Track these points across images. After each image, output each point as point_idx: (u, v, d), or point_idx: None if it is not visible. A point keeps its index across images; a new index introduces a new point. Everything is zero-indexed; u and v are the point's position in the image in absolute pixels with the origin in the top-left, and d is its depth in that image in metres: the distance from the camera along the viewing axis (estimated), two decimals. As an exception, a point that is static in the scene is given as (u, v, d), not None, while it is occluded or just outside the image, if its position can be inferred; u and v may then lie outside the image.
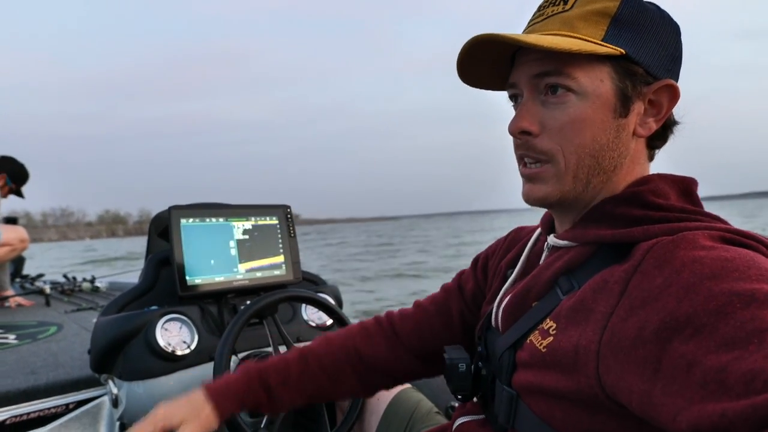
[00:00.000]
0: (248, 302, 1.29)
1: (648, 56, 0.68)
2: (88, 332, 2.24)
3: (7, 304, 3.19)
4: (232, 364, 1.35)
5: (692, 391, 0.48)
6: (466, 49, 0.71)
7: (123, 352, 1.33)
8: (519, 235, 0.94)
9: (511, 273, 0.85)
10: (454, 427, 0.88)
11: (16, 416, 1.48)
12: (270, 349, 1.30)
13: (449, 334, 0.98)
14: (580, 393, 0.61)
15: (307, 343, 1.03)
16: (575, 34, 0.67)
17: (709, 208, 0.70)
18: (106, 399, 1.61)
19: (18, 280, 4.02)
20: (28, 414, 1.51)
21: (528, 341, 0.71)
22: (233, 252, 1.51)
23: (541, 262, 0.79)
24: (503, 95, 0.78)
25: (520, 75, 0.72)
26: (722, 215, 0.69)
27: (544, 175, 0.72)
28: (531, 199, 0.74)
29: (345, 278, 13.30)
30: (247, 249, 1.54)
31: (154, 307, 1.41)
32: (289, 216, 1.65)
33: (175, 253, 1.39)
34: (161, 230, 1.62)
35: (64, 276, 3.94)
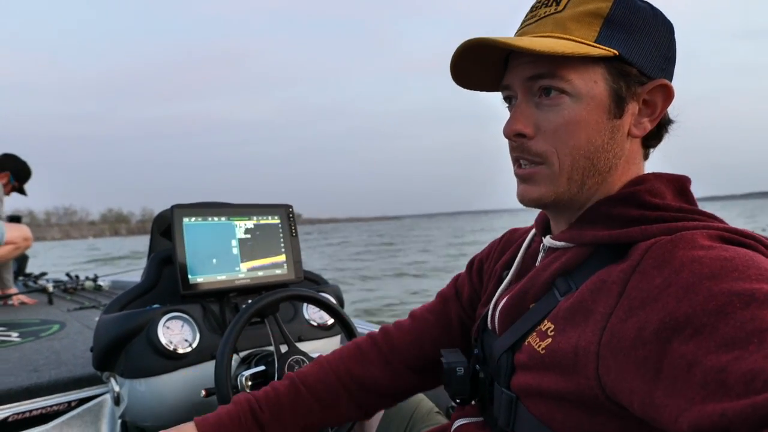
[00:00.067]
0: (250, 301, 1.29)
1: (641, 56, 0.68)
2: (90, 330, 2.24)
3: (10, 302, 3.20)
4: (234, 363, 1.36)
5: (693, 391, 0.48)
6: (458, 53, 0.71)
7: (125, 350, 1.33)
8: (513, 237, 0.94)
9: (507, 275, 0.85)
10: (453, 428, 0.88)
11: (18, 413, 1.49)
12: (271, 348, 1.31)
13: (450, 342, 0.97)
14: (580, 394, 0.61)
15: (301, 369, 0.99)
16: (568, 36, 0.67)
17: (711, 208, 0.70)
18: (108, 397, 1.62)
19: (21, 278, 4.04)
20: (31, 411, 1.51)
21: (526, 343, 0.71)
22: (235, 251, 1.52)
23: (537, 263, 0.79)
24: (501, 95, 0.78)
25: (514, 78, 0.71)
26: (724, 216, 0.69)
27: (538, 177, 0.71)
28: (525, 200, 0.74)
29: (346, 277, 13.31)
30: (249, 248, 1.54)
31: (156, 306, 1.41)
32: (290, 215, 1.66)
33: (177, 251, 1.40)
34: (164, 229, 1.63)
35: (67, 275, 3.95)
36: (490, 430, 0.80)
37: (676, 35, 0.71)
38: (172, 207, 1.43)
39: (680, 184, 0.71)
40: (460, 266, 1.05)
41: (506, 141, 0.74)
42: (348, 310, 1.50)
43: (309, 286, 1.72)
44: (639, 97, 0.69)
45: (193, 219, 1.45)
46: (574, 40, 0.66)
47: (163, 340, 1.32)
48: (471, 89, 0.80)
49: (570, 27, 0.68)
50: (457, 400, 0.87)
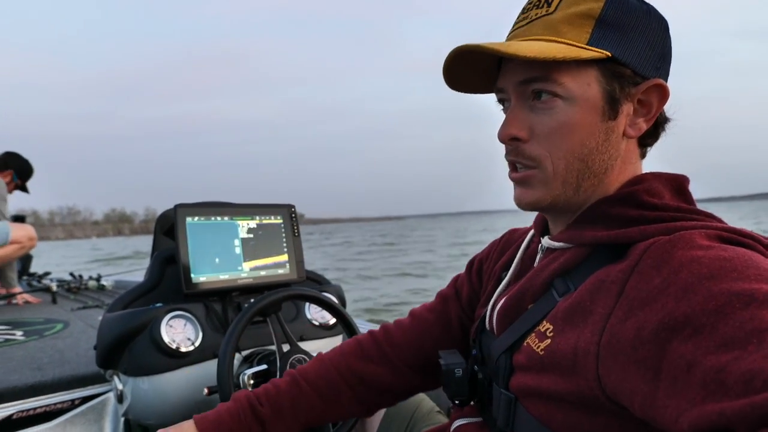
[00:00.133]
0: (252, 300, 1.29)
1: (635, 56, 0.67)
2: (93, 329, 2.25)
3: (14, 301, 3.21)
4: (236, 362, 1.36)
5: (693, 392, 0.48)
6: (450, 59, 0.71)
7: (128, 348, 1.34)
8: (513, 237, 0.94)
9: (506, 275, 0.84)
10: (452, 429, 0.88)
11: (22, 411, 1.50)
12: (273, 347, 1.31)
13: (450, 342, 0.97)
14: (580, 395, 0.61)
15: (302, 366, 0.99)
16: (559, 39, 0.66)
17: (715, 209, 0.70)
18: (111, 395, 1.62)
19: (25, 277, 4.05)
20: (35, 409, 1.52)
21: (525, 344, 0.71)
22: (238, 250, 1.52)
23: (535, 264, 0.79)
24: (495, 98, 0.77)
25: (507, 81, 0.71)
26: (728, 218, 0.69)
27: (533, 180, 0.71)
28: (522, 204, 0.74)
29: (348, 277, 13.32)
30: (252, 247, 1.55)
31: (159, 305, 1.42)
32: (293, 215, 1.66)
33: (180, 250, 1.40)
34: (167, 229, 1.64)
35: (71, 274, 3.97)
36: (489, 431, 0.80)
37: (678, 35, 0.71)
38: (176, 206, 1.43)
39: (678, 184, 0.71)
40: (462, 266, 1.05)
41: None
42: (349, 309, 1.50)
43: (311, 285, 1.72)
44: (634, 98, 0.69)
45: (196, 218, 1.45)
46: (565, 43, 0.66)
47: (166, 339, 1.32)
48: (466, 92, 0.79)
49: (561, 29, 0.67)
50: (456, 401, 0.87)
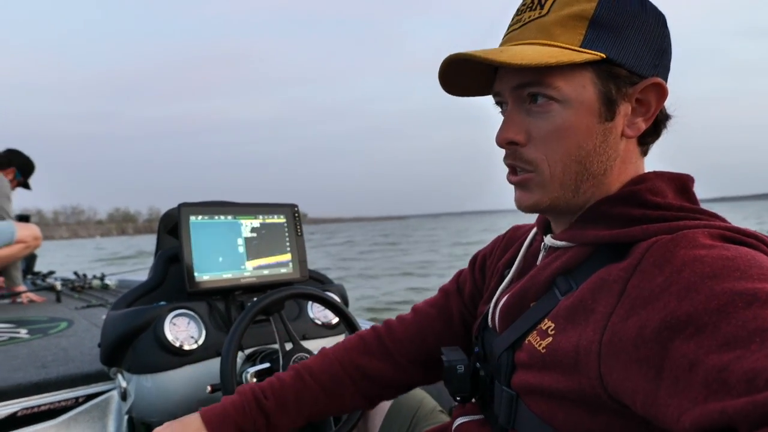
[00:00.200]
0: (255, 299, 1.30)
1: (631, 56, 0.66)
2: (97, 328, 2.26)
3: (19, 299, 3.23)
4: (239, 360, 1.36)
5: (695, 391, 0.48)
6: (443, 67, 0.71)
7: (132, 346, 1.35)
8: (516, 234, 0.94)
9: (508, 273, 0.85)
10: (454, 426, 0.88)
11: (27, 408, 1.50)
12: (276, 345, 1.31)
13: (451, 337, 0.98)
14: (582, 393, 0.61)
15: (305, 361, 1.00)
16: (552, 42, 0.66)
17: (720, 209, 0.70)
18: (114, 393, 1.63)
19: (30, 276, 4.07)
20: (39, 406, 1.53)
21: (526, 342, 0.71)
22: (241, 249, 1.52)
23: (538, 262, 0.79)
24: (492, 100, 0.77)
25: (503, 86, 0.71)
26: (732, 218, 0.69)
27: (531, 184, 0.71)
28: (522, 206, 0.74)
29: (350, 276, 13.33)
30: (255, 247, 1.55)
31: (162, 303, 1.43)
32: (296, 215, 1.66)
33: (184, 249, 1.41)
34: (170, 228, 1.64)
35: (75, 273, 3.98)
36: (490, 428, 0.80)
37: (681, 35, 0.70)
38: (179, 205, 1.44)
39: (681, 183, 0.70)
40: (465, 266, 1.05)
41: None
42: (352, 307, 1.51)
43: (314, 285, 1.72)
44: (631, 98, 0.68)
45: (200, 217, 1.46)
46: (558, 46, 0.65)
47: (170, 337, 1.33)
48: (463, 96, 0.79)
49: (554, 32, 0.67)
50: (458, 398, 0.87)
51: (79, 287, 3.58)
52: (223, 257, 1.48)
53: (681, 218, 0.65)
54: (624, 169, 0.71)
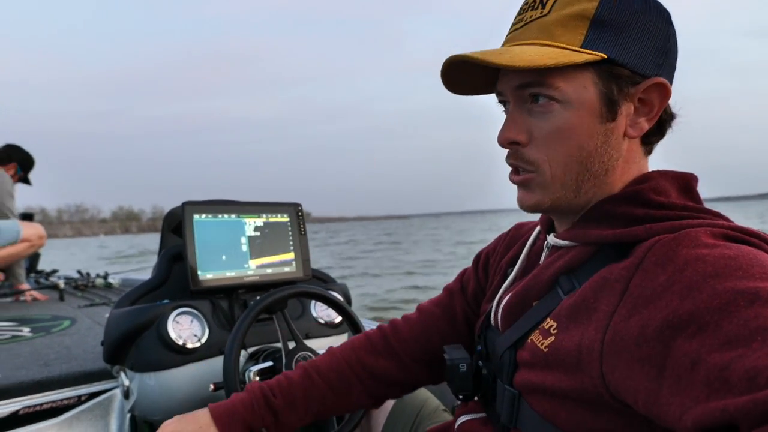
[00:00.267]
0: (258, 297, 1.30)
1: (633, 56, 0.66)
2: (100, 326, 2.26)
3: (22, 298, 3.24)
4: (242, 359, 1.37)
5: (697, 389, 0.48)
6: (445, 68, 0.71)
7: (135, 344, 1.35)
8: (519, 233, 0.94)
9: (511, 272, 0.85)
10: (456, 425, 0.88)
11: (29, 406, 1.51)
12: (279, 344, 1.32)
13: (455, 336, 0.98)
14: (584, 392, 0.61)
15: (313, 360, 1.01)
16: (553, 43, 0.66)
17: (725, 209, 0.69)
18: (117, 392, 1.63)
19: (33, 275, 4.08)
20: (41, 405, 1.53)
21: (529, 341, 0.71)
22: (244, 248, 1.53)
23: (541, 261, 0.79)
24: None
25: (505, 85, 0.71)
26: (736, 218, 0.69)
27: (532, 184, 0.71)
28: (524, 206, 0.74)
29: (353, 275, 13.34)
30: (258, 245, 1.55)
31: (166, 301, 1.43)
32: (299, 214, 1.67)
33: (187, 248, 1.41)
34: (174, 226, 1.65)
35: (78, 272, 3.99)
36: (492, 427, 0.80)
37: (686, 34, 0.69)
38: (183, 204, 1.44)
39: (685, 182, 0.70)
40: (468, 264, 1.06)
41: None
42: (354, 304, 1.51)
43: (317, 284, 1.72)
44: (633, 97, 0.67)
45: (204, 216, 1.46)
46: (559, 47, 0.65)
47: (173, 335, 1.33)
48: (466, 95, 0.79)
49: (555, 32, 0.66)
50: (460, 396, 0.87)
51: (82, 286, 3.59)
52: (226, 256, 1.48)
53: (684, 217, 0.65)
54: (627, 169, 0.71)
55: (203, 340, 1.38)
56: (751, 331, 0.47)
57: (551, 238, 0.76)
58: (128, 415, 1.56)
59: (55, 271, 4.28)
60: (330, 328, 1.61)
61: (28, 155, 3.55)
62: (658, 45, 0.67)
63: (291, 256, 1.61)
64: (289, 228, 1.63)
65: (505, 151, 0.74)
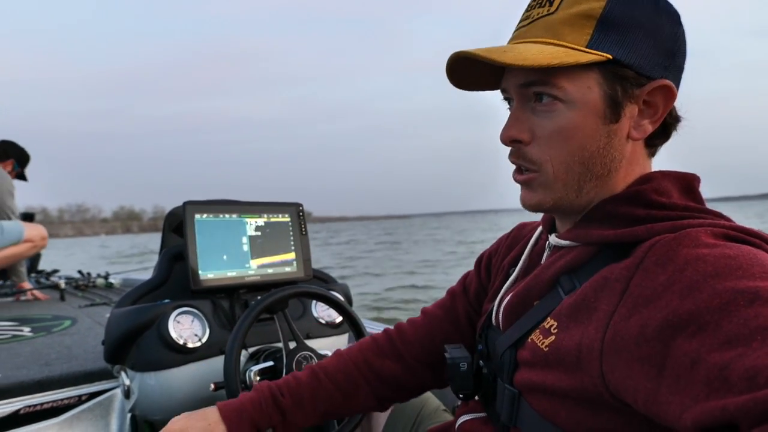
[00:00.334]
0: (259, 297, 1.30)
1: (639, 57, 0.65)
2: (101, 326, 2.27)
3: (23, 297, 3.26)
4: (242, 359, 1.37)
5: (697, 388, 0.48)
6: (450, 64, 0.71)
7: (136, 343, 1.35)
8: (521, 233, 0.94)
9: (513, 272, 0.85)
10: (457, 424, 0.88)
11: (29, 406, 1.51)
12: (280, 344, 1.32)
13: (459, 337, 0.98)
14: (584, 391, 0.62)
15: (320, 361, 1.01)
16: (558, 42, 0.65)
17: (726, 208, 0.69)
18: (118, 391, 1.63)
19: (33, 275, 4.08)
20: (42, 404, 1.53)
21: (529, 340, 0.71)
22: (245, 248, 1.53)
23: (542, 261, 0.79)
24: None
25: (509, 83, 0.71)
26: (737, 217, 0.69)
27: (535, 183, 0.71)
28: (526, 205, 0.74)
29: (355, 274, 13.36)
30: (259, 245, 1.55)
31: (167, 301, 1.43)
32: (301, 214, 1.67)
33: (188, 247, 1.41)
34: (175, 226, 1.65)
35: (79, 272, 4.00)
36: (493, 426, 0.81)
37: (692, 34, 0.69)
38: (184, 203, 1.44)
39: (687, 183, 0.70)
40: (469, 264, 1.06)
41: None
42: (356, 304, 1.50)
43: (318, 284, 1.73)
44: (638, 99, 0.67)
45: (205, 216, 1.46)
46: (564, 46, 0.65)
47: (174, 335, 1.33)
48: (472, 90, 0.79)
49: (561, 31, 0.66)
50: (461, 395, 0.88)
51: (83, 286, 3.59)
52: (227, 255, 1.49)
53: (685, 218, 0.65)
54: (630, 170, 0.71)
55: (204, 340, 1.38)
56: (751, 331, 0.47)
57: (553, 238, 0.76)
58: (129, 415, 1.56)
59: (56, 271, 4.28)
60: (331, 328, 1.61)
61: (24, 151, 3.57)
62: (666, 46, 0.67)
63: (292, 256, 1.62)
64: (290, 228, 1.63)
65: (507, 151, 0.74)
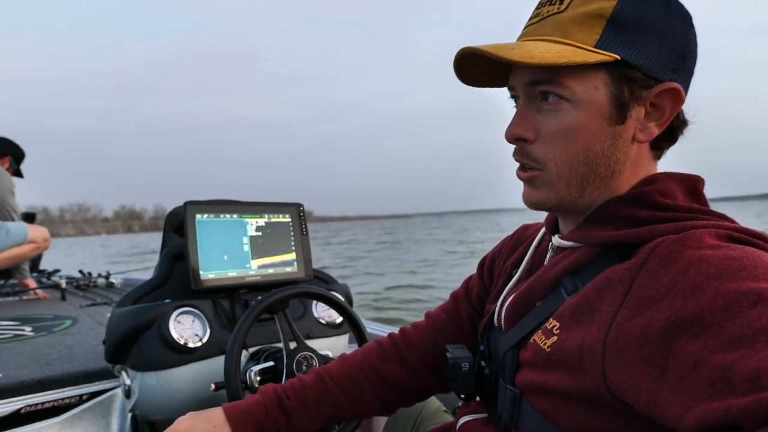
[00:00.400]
0: (259, 297, 1.30)
1: (648, 59, 0.64)
2: (102, 326, 2.27)
3: (26, 297, 3.27)
4: (243, 359, 1.37)
5: (699, 389, 0.48)
6: (457, 60, 0.71)
7: (137, 343, 1.35)
8: (524, 234, 0.94)
9: (516, 273, 0.85)
10: (458, 425, 0.88)
11: (30, 405, 1.51)
12: (280, 344, 1.32)
13: (462, 340, 0.98)
14: (586, 392, 0.61)
15: (326, 365, 1.02)
16: (567, 40, 0.65)
17: (727, 208, 0.69)
18: (119, 391, 1.63)
19: (35, 274, 4.09)
20: (43, 404, 1.53)
21: (531, 341, 0.71)
22: (246, 248, 1.53)
23: (545, 262, 0.79)
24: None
25: (516, 81, 0.71)
26: (737, 217, 0.69)
27: (538, 181, 0.71)
28: (528, 203, 0.74)
29: (355, 273, 13.37)
30: (260, 245, 1.55)
31: (167, 301, 1.43)
32: (301, 214, 1.67)
33: (189, 247, 1.41)
34: (176, 226, 1.65)
35: (80, 271, 4.00)
36: (494, 427, 0.81)
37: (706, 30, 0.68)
38: (185, 204, 1.44)
39: (692, 184, 0.70)
40: (469, 264, 1.06)
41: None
42: (355, 304, 1.50)
43: (318, 284, 1.72)
44: (645, 101, 0.67)
45: (206, 216, 1.46)
46: (573, 45, 0.64)
47: (174, 335, 1.33)
48: (479, 87, 0.78)
49: (570, 30, 0.65)
50: (462, 396, 0.88)
51: (84, 285, 3.59)
52: (228, 256, 1.49)
53: (689, 219, 0.64)
54: (635, 172, 0.70)
55: (204, 340, 1.38)
56: (755, 332, 0.47)
57: (556, 239, 0.76)
58: (129, 415, 1.56)
59: (57, 271, 4.28)
60: (331, 329, 1.61)
61: (19, 147, 3.59)
62: (676, 49, 0.66)
63: (292, 256, 1.62)
64: (291, 228, 1.63)
65: (508, 151, 0.74)
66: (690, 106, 0.69)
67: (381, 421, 1.26)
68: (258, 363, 1.32)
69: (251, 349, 1.40)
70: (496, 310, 0.84)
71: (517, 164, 0.74)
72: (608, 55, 0.64)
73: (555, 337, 0.66)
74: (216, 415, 0.88)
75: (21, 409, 1.49)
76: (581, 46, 0.64)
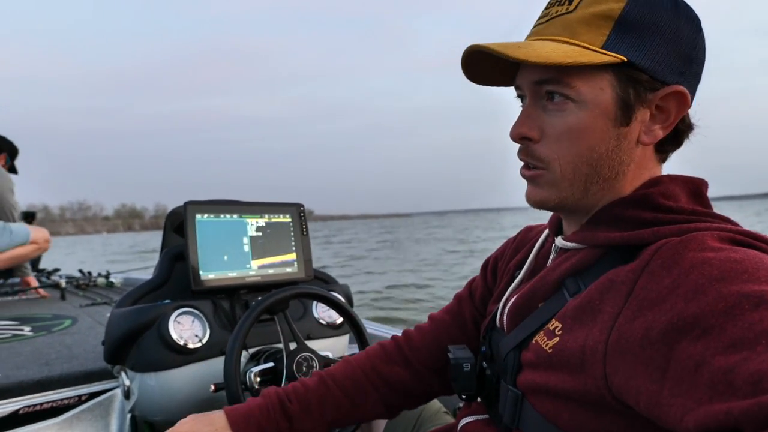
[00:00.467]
0: (260, 298, 1.30)
1: (654, 61, 0.64)
2: (102, 326, 2.26)
3: (26, 296, 3.27)
4: (243, 359, 1.36)
5: (700, 391, 0.48)
6: (465, 58, 0.71)
7: (136, 343, 1.35)
8: (528, 236, 0.94)
9: (519, 274, 0.85)
10: (459, 426, 0.88)
11: (29, 406, 1.50)
12: (280, 345, 1.31)
13: (466, 342, 0.98)
14: (587, 393, 0.61)
15: (328, 368, 1.01)
16: (574, 41, 0.65)
17: (728, 207, 0.69)
18: (118, 392, 1.63)
19: (35, 274, 4.09)
20: (42, 404, 1.53)
21: (533, 342, 0.71)
22: (246, 248, 1.53)
23: (548, 263, 0.79)
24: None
25: (523, 80, 0.71)
26: (737, 216, 0.68)
27: (541, 180, 0.71)
28: (531, 202, 0.74)
29: (355, 272, 13.39)
30: (260, 246, 1.55)
31: (167, 301, 1.43)
32: (302, 214, 1.67)
33: (189, 247, 1.41)
34: (176, 225, 1.64)
35: (80, 271, 4.00)
36: (495, 428, 0.80)
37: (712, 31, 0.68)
38: (185, 204, 1.44)
39: (695, 187, 0.70)
40: (469, 264, 1.06)
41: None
42: (355, 303, 1.50)
43: (318, 284, 1.72)
44: (650, 104, 0.67)
45: (206, 216, 1.46)
46: (580, 46, 0.64)
47: (174, 335, 1.33)
48: (486, 85, 0.79)
49: (578, 30, 0.65)
50: (463, 396, 0.88)
51: (83, 285, 3.59)
52: (228, 256, 1.48)
53: (692, 221, 0.64)
54: (639, 174, 0.70)
55: (204, 341, 1.37)
56: (756, 335, 0.47)
57: (559, 240, 0.76)
58: (129, 415, 1.55)
59: (56, 270, 4.28)
60: (331, 329, 1.61)
61: (13, 143, 3.61)
62: (683, 52, 0.66)
63: (293, 256, 1.61)
64: (291, 228, 1.63)
65: (514, 149, 0.74)
66: (696, 111, 0.69)
67: (381, 423, 1.26)
68: (258, 364, 1.32)
69: (251, 350, 1.40)
70: (499, 311, 0.84)
71: (521, 163, 0.75)
72: (615, 57, 0.64)
73: (557, 338, 0.67)
74: (218, 417, 0.88)
75: (20, 409, 1.49)
76: (588, 46, 0.65)
